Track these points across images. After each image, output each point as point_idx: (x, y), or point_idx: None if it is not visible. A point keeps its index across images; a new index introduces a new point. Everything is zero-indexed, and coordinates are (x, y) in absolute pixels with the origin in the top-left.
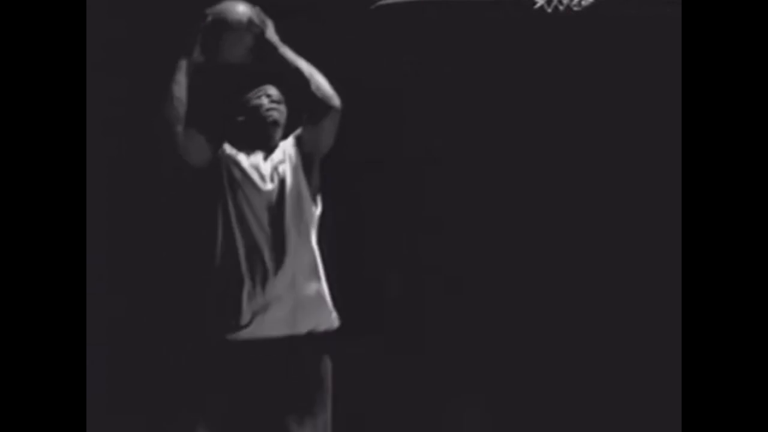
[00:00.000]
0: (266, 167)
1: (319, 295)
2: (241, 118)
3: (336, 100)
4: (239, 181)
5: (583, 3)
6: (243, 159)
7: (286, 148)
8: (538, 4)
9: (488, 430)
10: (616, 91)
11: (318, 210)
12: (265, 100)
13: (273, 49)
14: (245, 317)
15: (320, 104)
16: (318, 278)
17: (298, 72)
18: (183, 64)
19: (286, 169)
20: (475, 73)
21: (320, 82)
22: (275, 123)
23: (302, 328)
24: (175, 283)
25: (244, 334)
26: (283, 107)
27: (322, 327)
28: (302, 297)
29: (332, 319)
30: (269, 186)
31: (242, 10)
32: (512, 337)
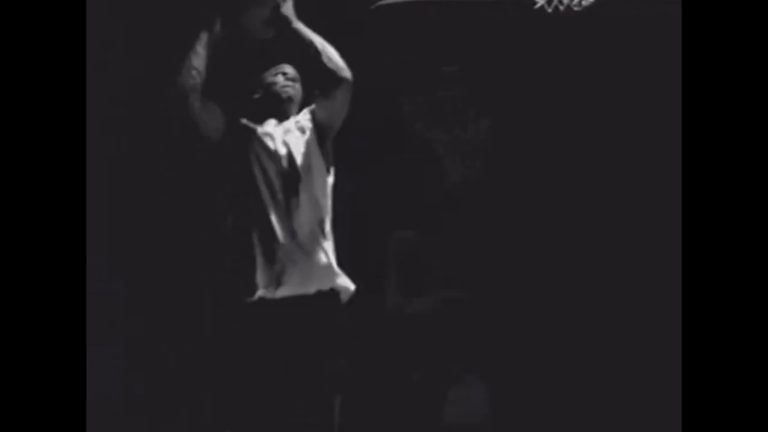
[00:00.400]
0: (279, 138)
1: (328, 263)
2: (256, 95)
3: (347, 72)
4: (253, 151)
5: (583, 3)
6: (257, 130)
7: (300, 120)
8: (538, 4)
9: (488, 428)
10: (617, 90)
11: (330, 181)
12: (280, 78)
13: (288, 23)
14: (260, 283)
15: (332, 76)
16: (327, 245)
17: (311, 45)
18: (203, 37)
19: (299, 140)
20: (475, 73)
21: (332, 54)
22: (290, 99)
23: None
24: (176, 283)
25: (260, 298)
26: (298, 85)
27: (334, 289)
28: (312, 263)
29: (345, 284)
30: (281, 153)
31: None
32: (512, 335)
